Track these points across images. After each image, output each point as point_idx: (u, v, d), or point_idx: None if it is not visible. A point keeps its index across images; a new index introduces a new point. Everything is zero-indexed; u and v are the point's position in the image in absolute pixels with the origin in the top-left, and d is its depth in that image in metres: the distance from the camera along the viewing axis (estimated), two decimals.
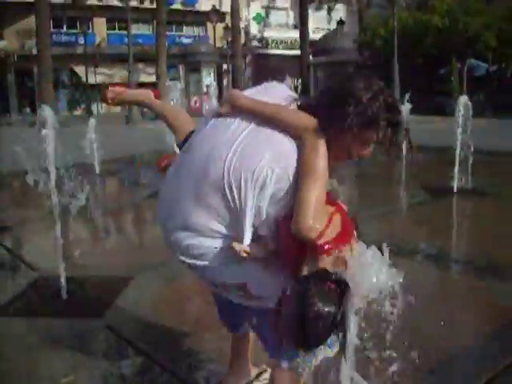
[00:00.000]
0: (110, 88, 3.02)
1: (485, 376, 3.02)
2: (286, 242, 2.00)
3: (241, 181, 1.97)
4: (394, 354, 3.22)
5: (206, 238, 2.08)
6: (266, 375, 2.83)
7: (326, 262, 1.88)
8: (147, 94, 3.00)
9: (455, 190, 8.01)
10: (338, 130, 2.01)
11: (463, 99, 8.27)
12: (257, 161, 1.96)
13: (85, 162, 9.69)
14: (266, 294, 2.12)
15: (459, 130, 8.17)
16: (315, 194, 1.94)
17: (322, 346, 2.10)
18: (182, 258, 2.18)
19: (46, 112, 4.24)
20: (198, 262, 2.14)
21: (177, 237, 2.14)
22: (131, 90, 3.22)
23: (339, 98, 2.03)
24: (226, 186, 2.00)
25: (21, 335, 3.80)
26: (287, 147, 2.00)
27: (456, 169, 8.08)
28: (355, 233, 2.05)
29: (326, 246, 1.89)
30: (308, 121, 2.03)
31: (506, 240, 5.63)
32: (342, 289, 1.80)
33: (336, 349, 2.19)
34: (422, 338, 3.47)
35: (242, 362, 2.87)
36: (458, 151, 8.12)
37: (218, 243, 2.08)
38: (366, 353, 2.02)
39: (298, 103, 2.17)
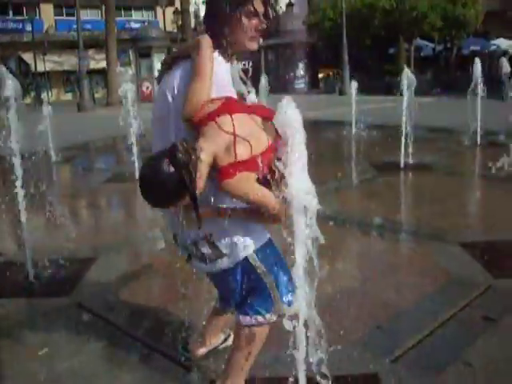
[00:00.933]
0: None
1: (427, 329, 3.37)
2: None
3: None
4: (344, 314, 3.57)
5: None
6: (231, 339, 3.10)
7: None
8: None
9: (401, 165, 8.39)
10: (227, 25, 2.34)
11: (406, 74, 8.60)
12: None
13: (40, 149, 9.75)
14: (229, 243, 2.39)
15: (404, 108, 8.54)
16: (196, 85, 2.22)
17: (281, 303, 2.46)
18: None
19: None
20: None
21: None
22: None
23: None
24: None
25: None
26: None
27: (402, 146, 8.45)
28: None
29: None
30: (193, 40, 2.38)
31: (447, 210, 6.05)
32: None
33: (293, 308, 2.47)
34: (371, 299, 3.82)
35: (214, 331, 3.14)
36: (403, 129, 8.50)
37: None
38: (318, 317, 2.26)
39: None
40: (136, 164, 8.47)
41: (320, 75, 37.50)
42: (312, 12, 35.43)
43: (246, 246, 2.42)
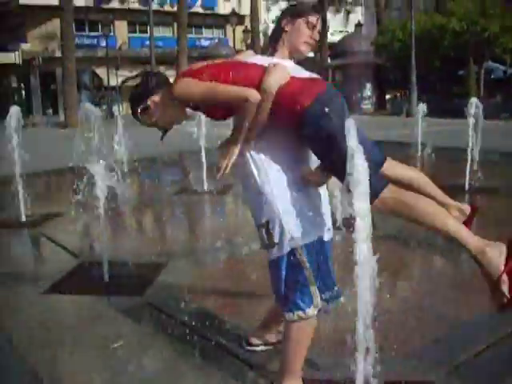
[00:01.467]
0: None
1: (484, 343, 3.46)
2: None
3: None
4: (402, 326, 3.70)
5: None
6: None
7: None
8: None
9: (466, 188, 8.40)
10: (287, 30, 2.94)
11: (474, 101, 8.65)
12: None
13: (114, 160, 10.20)
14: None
15: (470, 131, 8.57)
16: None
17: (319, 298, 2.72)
18: None
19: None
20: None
21: None
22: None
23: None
24: None
25: (69, 309, 4.35)
26: None
27: (467, 168, 8.46)
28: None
29: None
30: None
31: None
32: None
33: (330, 306, 2.82)
34: (430, 313, 3.94)
35: (271, 328, 3.35)
36: (469, 152, 8.51)
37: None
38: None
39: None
40: (204, 177, 8.82)
41: (387, 96, 37.35)
42: (381, 33, 35.46)
43: (294, 237, 2.66)
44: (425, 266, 5.27)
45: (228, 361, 3.33)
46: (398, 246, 5.73)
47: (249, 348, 3.39)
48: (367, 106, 34.90)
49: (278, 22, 2.99)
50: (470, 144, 8.58)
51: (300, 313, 2.71)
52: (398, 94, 36.77)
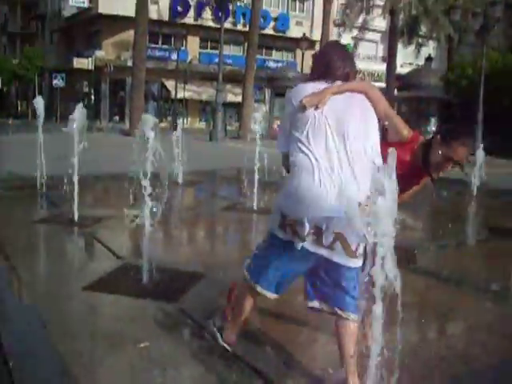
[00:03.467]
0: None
1: None
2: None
3: None
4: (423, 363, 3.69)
5: None
6: None
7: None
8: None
9: None
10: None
11: None
12: None
13: (169, 172, 10.44)
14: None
15: None
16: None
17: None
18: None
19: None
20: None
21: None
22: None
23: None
24: None
25: (106, 307, 4.51)
26: None
27: None
28: None
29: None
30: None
31: None
32: None
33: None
34: (455, 353, 3.92)
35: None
36: None
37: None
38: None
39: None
40: (255, 196, 8.91)
41: None
42: (451, 68, 35.06)
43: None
44: (459, 305, 5.19)
45: (248, 374, 3.40)
46: (435, 282, 5.69)
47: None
48: None
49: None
50: None
51: (353, 315, 3.15)
52: None
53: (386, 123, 3.33)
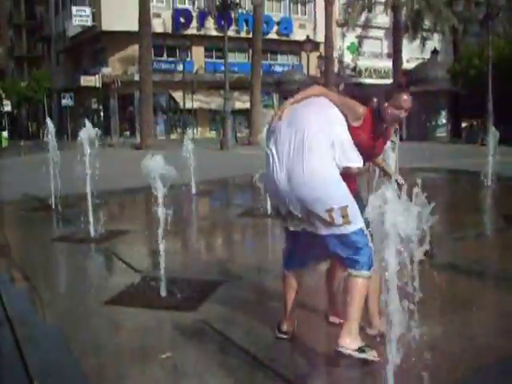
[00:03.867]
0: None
1: None
2: None
3: None
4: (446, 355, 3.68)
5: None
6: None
7: None
8: None
9: None
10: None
11: None
12: None
13: (182, 182, 10.49)
14: (354, 218, 3.45)
15: None
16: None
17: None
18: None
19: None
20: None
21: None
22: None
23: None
24: None
25: (127, 320, 4.54)
26: None
27: None
28: None
29: None
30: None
31: None
32: None
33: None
34: (477, 343, 3.90)
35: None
36: None
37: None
38: None
39: None
40: (268, 201, 8.89)
41: (463, 124, 36.64)
42: (457, 60, 34.93)
43: (361, 222, 3.45)
44: (477, 296, 5.17)
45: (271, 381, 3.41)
46: (453, 276, 5.67)
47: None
48: (442, 133, 34.33)
49: None
50: None
51: (369, 271, 3.47)
52: (475, 123, 36.00)
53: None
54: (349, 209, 3.43)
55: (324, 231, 3.50)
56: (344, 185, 3.48)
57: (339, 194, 3.46)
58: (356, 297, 3.48)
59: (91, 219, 7.55)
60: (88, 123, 7.75)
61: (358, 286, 3.48)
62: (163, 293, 4.97)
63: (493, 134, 12.48)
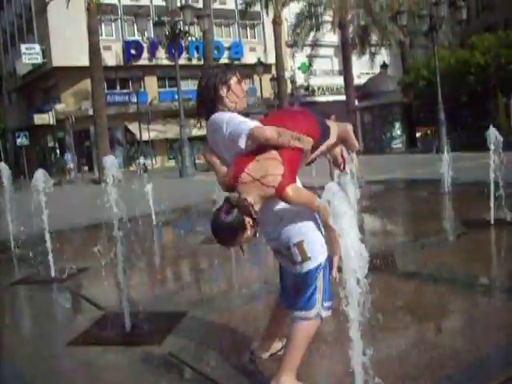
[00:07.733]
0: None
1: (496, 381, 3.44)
2: None
3: None
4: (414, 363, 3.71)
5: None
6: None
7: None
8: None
9: (492, 222, 8.31)
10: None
11: (492, 132, 8.67)
12: None
13: (142, 213, 10.39)
14: (313, 252, 3.22)
15: (492, 164, 8.53)
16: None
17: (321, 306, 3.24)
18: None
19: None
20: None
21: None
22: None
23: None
24: None
25: (92, 360, 4.44)
26: None
27: (491, 202, 8.39)
28: None
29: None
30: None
31: None
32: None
33: (329, 313, 3.29)
34: (443, 350, 3.93)
35: (273, 336, 3.81)
36: (492, 185, 8.44)
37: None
38: None
39: None
40: None
41: (418, 134, 37.24)
42: (406, 72, 35.62)
43: (322, 254, 3.24)
44: (442, 303, 5.22)
45: None
46: (417, 284, 5.73)
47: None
48: (398, 145, 34.84)
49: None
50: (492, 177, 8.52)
51: (324, 312, 3.25)
52: (429, 132, 36.65)
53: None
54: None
55: (289, 267, 3.37)
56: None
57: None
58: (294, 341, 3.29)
59: (51, 259, 7.42)
60: (40, 170, 7.65)
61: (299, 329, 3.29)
62: (128, 328, 4.91)
63: (446, 142, 12.78)
